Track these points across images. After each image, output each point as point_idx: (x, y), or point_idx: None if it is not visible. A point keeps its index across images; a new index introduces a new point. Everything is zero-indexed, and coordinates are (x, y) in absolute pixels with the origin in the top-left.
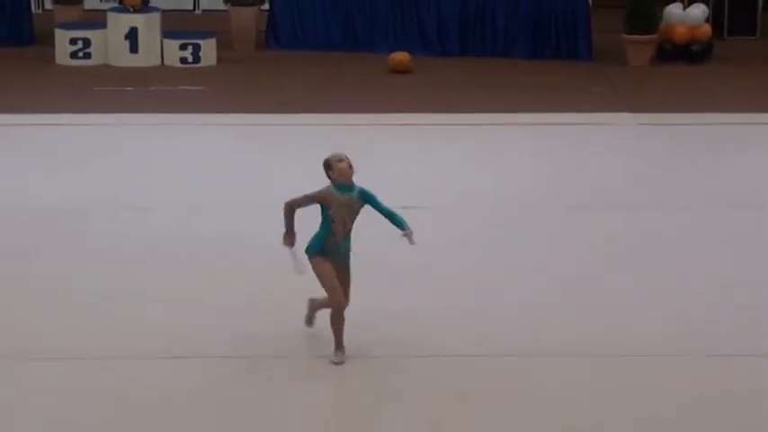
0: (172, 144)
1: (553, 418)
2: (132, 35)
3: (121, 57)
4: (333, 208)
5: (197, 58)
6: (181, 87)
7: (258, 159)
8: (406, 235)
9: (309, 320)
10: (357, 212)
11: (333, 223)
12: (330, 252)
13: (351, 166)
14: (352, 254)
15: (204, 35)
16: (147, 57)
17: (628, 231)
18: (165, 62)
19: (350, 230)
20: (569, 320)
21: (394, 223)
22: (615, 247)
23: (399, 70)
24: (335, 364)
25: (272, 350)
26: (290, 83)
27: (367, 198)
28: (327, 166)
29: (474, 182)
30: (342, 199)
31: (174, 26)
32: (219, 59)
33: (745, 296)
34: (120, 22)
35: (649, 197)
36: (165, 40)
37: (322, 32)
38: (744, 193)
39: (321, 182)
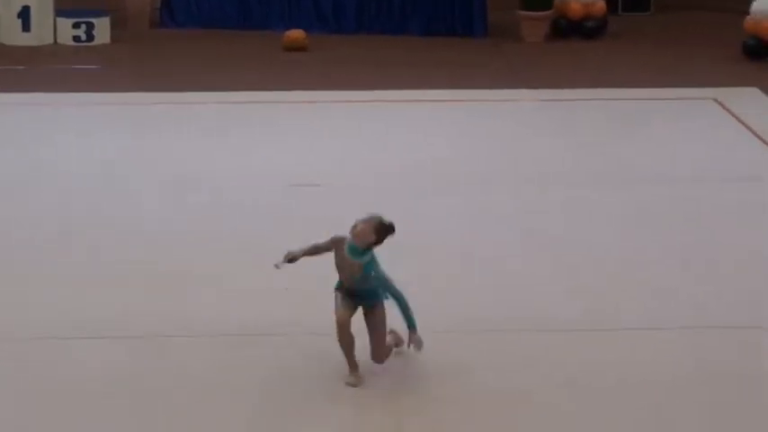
0: (64, 123)
1: (455, 393)
2: (25, 13)
3: (14, 35)
4: (336, 259)
5: (90, 37)
6: (74, 66)
7: (153, 138)
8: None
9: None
10: (359, 281)
11: (338, 269)
12: (348, 293)
13: (361, 234)
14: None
15: (98, 13)
16: (39, 35)
17: (534, 206)
18: (59, 41)
19: (365, 289)
20: (478, 295)
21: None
22: (522, 221)
23: (294, 48)
24: (349, 385)
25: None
26: (184, 61)
27: (366, 273)
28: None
29: (371, 159)
30: (346, 259)
31: (68, 4)
32: (113, 38)
33: (642, 272)
34: (13, 0)
35: (552, 172)
36: (58, 19)
37: (217, 10)
38: (643, 168)
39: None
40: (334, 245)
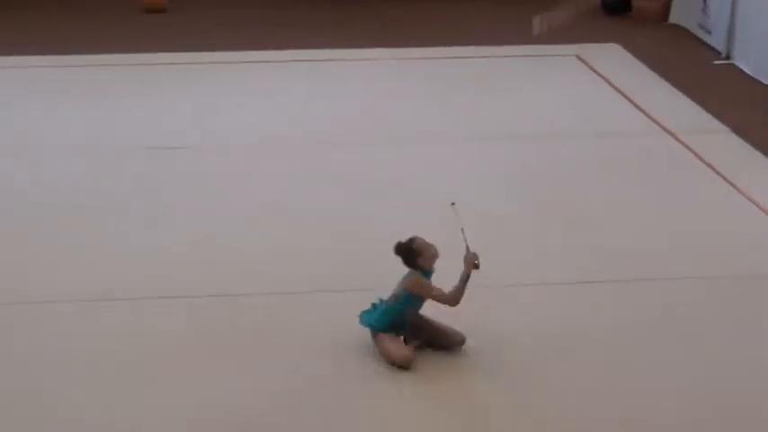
0: None
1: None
2: None
3: None
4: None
5: None
6: None
7: (13, 103)
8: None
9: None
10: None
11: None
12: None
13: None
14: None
15: None
16: None
17: (400, 165)
18: None
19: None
20: (328, 254)
21: None
22: (388, 181)
23: (153, 9)
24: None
25: None
26: (39, 24)
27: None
28: (413, 251)
29: (232, 122)
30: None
31: None
32: None
33: (509, 226)
34: None
35: (412, 131)
36: None
37: None
38: (507, 126)
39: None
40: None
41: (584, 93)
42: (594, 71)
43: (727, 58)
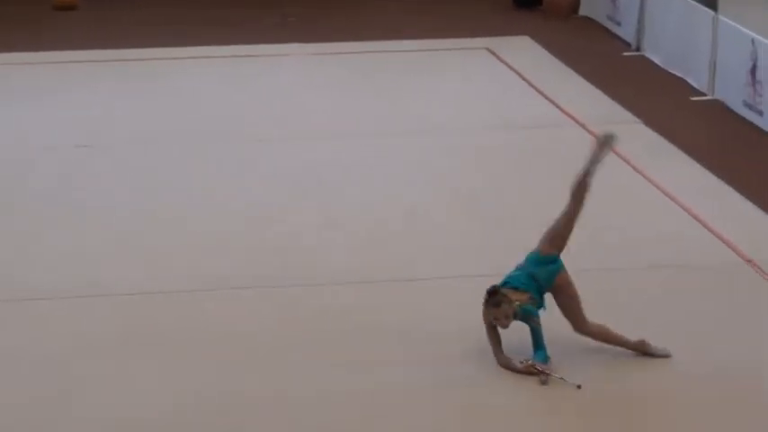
0: None
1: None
2: None
3: None
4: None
5: None
6: None
7: None
8: None
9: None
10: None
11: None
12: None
13: (498, 319)
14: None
15: None
16: None
17: (313, 161)
18: None
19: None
20: (256, 251)
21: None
22: (302, 176)
23: (63, 7)
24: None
25: None
26: None
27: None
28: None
29: (145, 119)
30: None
31: None
32: None
33: (427, 219)
34: None
35: (330, 125)
36: None
37: None
38: (419, 119)
39: None
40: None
41: (496, 86)
42: (505, 64)
43: (638, 49)
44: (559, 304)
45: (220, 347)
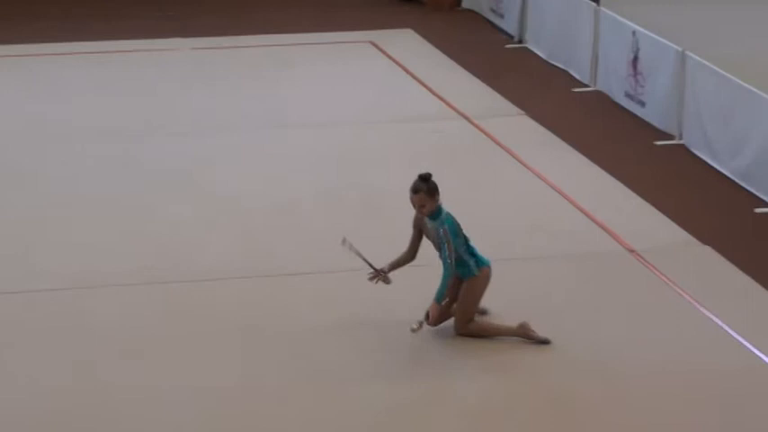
0: None
1: (112, 346)
2: None
3: None
4: (425, 234)
5: None
6: None
7: None
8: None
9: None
10: (442, 244)
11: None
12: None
13: (423, 205)
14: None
15: None
16: None
17: (189, 157)
18: None
19: (447, 261)
20: (133, 249)
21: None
22: (176, 173)
23: None
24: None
25: None
26: None
27: (441, 230)
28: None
29: (16, 115)
30: (429, 226)
31: None
32: None
33: (305, 214)
34: None
35: (217, 120)
36: None
37: None
38: (303, 113)
39: None
40: (416, 223)
41: (380, 79)
42: (389, 57)
43: (520, 41)
44: (459, 298)
45: (92, 343)
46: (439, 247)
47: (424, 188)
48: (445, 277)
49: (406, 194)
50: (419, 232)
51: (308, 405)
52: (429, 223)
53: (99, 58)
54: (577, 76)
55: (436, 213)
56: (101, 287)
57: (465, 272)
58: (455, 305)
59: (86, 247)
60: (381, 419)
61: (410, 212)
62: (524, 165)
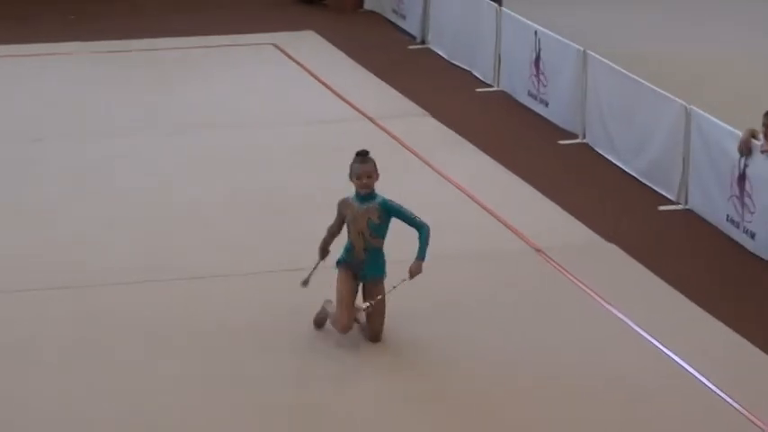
0: None
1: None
2: None
3: None
4: (348, 218)
5: None
6: None
7: None
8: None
9: (318, 324)
10: (380, 227)
11: (349, 235)
12: (354, 268)
13: (371, 176)
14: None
15: None
16: None
17: (89, 160)
18: None
19: (376, 248)
20: (34, 253)
21: (419, 240)
22: (77, 177)
23: None
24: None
25: None
26: None
27: (389, 210)
28: (350, 168)
29: None
30: (359, 209)
31: None
32: None
33: (208, 217)
34: None
35: (117, 123)
36: None
37: None
38: (206, 116)
39: None
40: (340, 207)
41: (283, 81)
42: (292, 59)
43: (423, 42)
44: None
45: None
46: (365, 231)
47: (372, 159)
48: (424, 233)
49: (310, 196)
50: (342, 219)
51: (212, 407)
52: (360, 206)
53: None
54: (480, 77)
55: (372, 194)
56: (2, 293)
57: (380, 265)
58: (370, 314)
59: None
60: (281, 421)
61: (313, 214)
62: (428, 165)
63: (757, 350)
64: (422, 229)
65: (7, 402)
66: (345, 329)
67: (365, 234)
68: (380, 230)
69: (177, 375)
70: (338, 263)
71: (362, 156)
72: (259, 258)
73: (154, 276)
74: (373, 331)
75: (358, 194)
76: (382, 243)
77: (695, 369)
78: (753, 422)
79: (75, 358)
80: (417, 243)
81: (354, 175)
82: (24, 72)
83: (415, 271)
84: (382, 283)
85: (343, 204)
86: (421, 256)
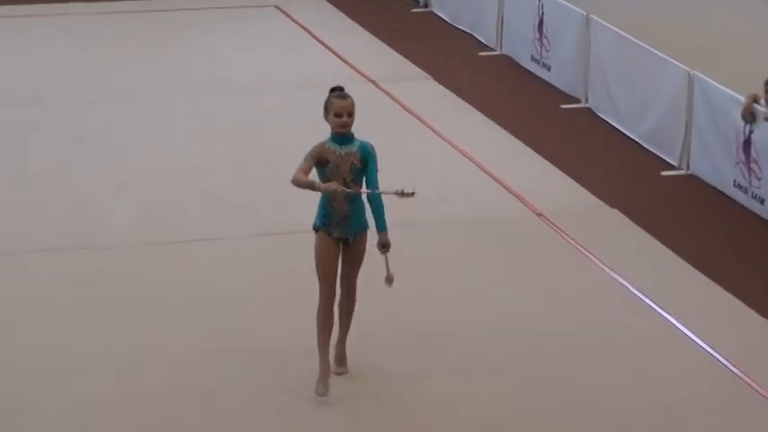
0: None
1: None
2: None
3: None
4: (330, 165)
5: None
6: None
7: None
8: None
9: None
10: (360, 172)
11: (328, 185)
12: (339, 229)
13: (352, 113)
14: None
15: None
16: None
17: (90, 124)
18: None
19: (357, 195)
20: (36, 217)
21: (375, 210)
22: (80, 140)
23: None
24: (319, 395)
25: None
26: None
27: (369, 155)
28: (325, 105)
29: None
30: (341, 153)
31: None
32: None
33: (209, 181)
34: None
35: (116, 86)
36: None
37: None
38: (210, 78)
39: None
40: (318, 154)
41: (286, 44)
42: (295, 21)
43: (426, 5)
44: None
45: None
46: (348, 177)
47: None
48: (379, 201)
49: None
50: (312, 167)
51: (209, 376)
52: (341, 150)
53: (5, 23)
54: (483, 40)
55: (350, 136)
56: (4, 255)
57: (363, 214)
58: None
59: None
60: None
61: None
62: (431, 128)
63: (756, 315)
64: (377, 197)
65: (7, 366)
66: (327, 322)
67: (347, 180)
68: (360, 176)
69: (177, 338)
70: (317, 229)
71: (339, 90)
72: (260, 220)
73: (155, 239)
74: (350, 282)
75: (335, 137)
76: (360, 191)
77: (694, 333)
78: (757, 391)
79: (74, 319)
80: (373, 213)
81: (333, 112)
82: (24, 32)
83: (387, 244)
84: (365, 235)
85: (322, 150)
86: (384, 226)
